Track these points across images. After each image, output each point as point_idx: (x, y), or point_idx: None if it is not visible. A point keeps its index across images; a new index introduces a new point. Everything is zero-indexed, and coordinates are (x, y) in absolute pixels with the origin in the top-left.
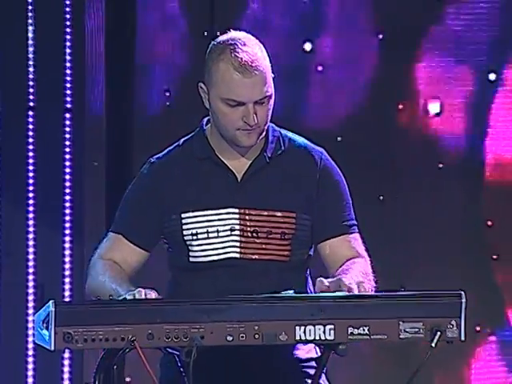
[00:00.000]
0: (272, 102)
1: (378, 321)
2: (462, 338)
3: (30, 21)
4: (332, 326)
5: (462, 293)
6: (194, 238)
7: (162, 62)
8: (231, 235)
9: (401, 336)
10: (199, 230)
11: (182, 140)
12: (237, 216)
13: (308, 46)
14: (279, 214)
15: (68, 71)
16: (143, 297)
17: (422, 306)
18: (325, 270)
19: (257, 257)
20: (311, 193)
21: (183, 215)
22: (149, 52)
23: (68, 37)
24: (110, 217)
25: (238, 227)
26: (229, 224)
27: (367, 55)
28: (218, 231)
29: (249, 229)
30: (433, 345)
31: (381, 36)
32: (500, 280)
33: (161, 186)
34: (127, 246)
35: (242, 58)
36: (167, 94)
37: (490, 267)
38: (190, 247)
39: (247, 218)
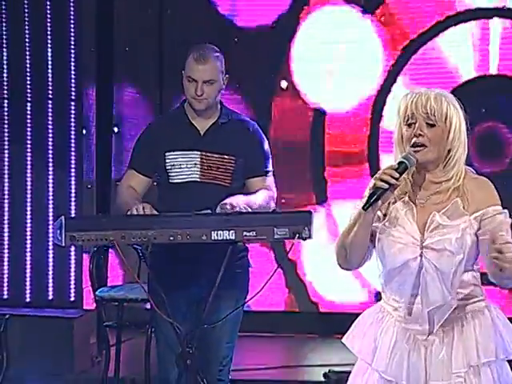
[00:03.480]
0: (217, 86)
1: (261, 227)
2: (312, 238)
3: None
4: (233, 231)
5: (312, 211)
6: (172, 167)
7: None
8: (195, 167)
9: (275, 237)
10: (175, 163)
11: (171, 109)
12: (198, 156)
13: None
14: (226, 156)
15: None
16: (140, 211)
17: (288, 219)
18: None
19: (210, 181)
20: (245, 146)
21: (167, 153)
22: None
23: None
24: None
25: (199, 163)
26: (193, 160)
27: None
28: (187, 164)
29: (205, 164)
30: (293, 241)
31: None
32: None
33: (156, 137)
34: (137, 176)
35: (199, 54)
36: None
37: None
38: (169, 173)
39: (205, 157)
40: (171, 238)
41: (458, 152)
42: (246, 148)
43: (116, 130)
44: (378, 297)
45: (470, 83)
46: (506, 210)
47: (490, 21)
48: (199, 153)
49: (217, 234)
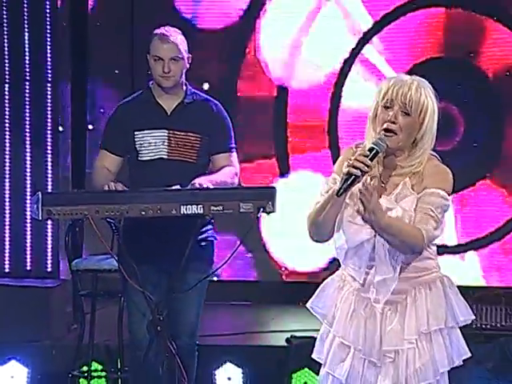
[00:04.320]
0: (182, 64)
1: (228, 202)
2: (275, 211)
3: None
4: (201, 205)
5: (275, 186)
6: (141, 145)
7: None
8: (162, 145)
9: (240, 210)
10: (144, 141)
11: (138, 92)
12: (166, 134)
13: None
14: (191, 134)
15: None
16: (112, 188)
17: (252, 194)
18: None
19: (177, 158)
20: (210, 125)
21: (136, 132)
22: None
23: None
24: None
25: (166, 141)
26: (161, 138)
27: None
28: (155, 142)
29: (173, 142)
30: (258, 215)
31: None
32: None
33: (125, 117)
34: (109, 156)
35: (163, 34)
36: None
37: None
38: (138, 151)
39: (172, 135)
40: (143, 213)
41: (426, 143)
42: (211, 126)
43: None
44: (331, 265)
45: (423, 65)
46: (446, 197)
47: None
48: (166, 131)
49: (186, 209)
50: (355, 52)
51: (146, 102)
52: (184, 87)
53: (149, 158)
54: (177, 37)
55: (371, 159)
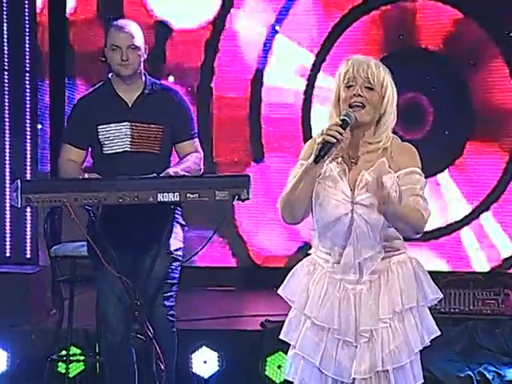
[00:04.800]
0: (140, 53)
1: (203, 190)
2: (250, 198)
3: None
4: (178, 193)
5: (250, 174)
6: (105, 139)
7: None
8: (126, 138)
9: (216, 198)
10: (107, 135)
11: (98, 85)
12: (128, 126)
13: None
14: (153, 125)
15: None
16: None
17: (228, 182)
18: None
19: (140, 150)
20: (172, 115)
21: (99, 127)
22: None
23: None
24: None
25: (129, 133)
26: (124, 131)
27: None
28: (119, 136)
29: (135, 134)
30: (234, 203)
31: None
32: None
33: (87, 111)
34: (73, 150)
35: (119, 24)
36: None
37: None
38: (102, 145)
39: (134, 128)
40: (120, 200)
41: (389, 118)
42: (173, 116)
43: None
44: (302, 250)
45: (394, 56)
46: (422, 174)
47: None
48: (129, 124)
49: (162, 196)
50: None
51: (107, 94)
52: (143, 77)
53: (113, 151)
54: (132, 27)
55: (343, 128)
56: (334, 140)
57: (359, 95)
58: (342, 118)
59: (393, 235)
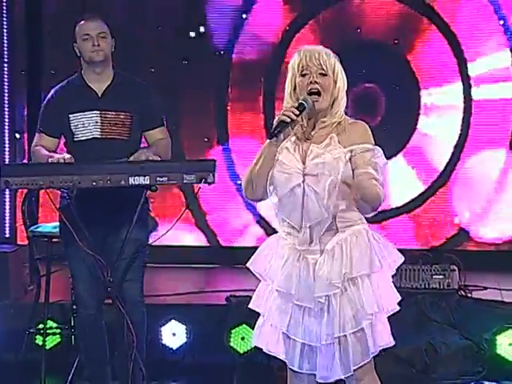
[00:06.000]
0: (109, 41)
1: (172, 173)
2: (215, 182)
3: None
4: (148, 177)
5: (216, 159)
6: (76, 127)
7: None
8: (96, 125)
9: (184, 181)
10: (78, 123)
11: (71, 77)
12: (98, 115)
13: None
14: (122, 113)
15: None
16: (60, 158)
17: (195, 166)
18: None
19: (110, 137)
20: (140, 104)
21: (70, 115)
22: None
23: None
24: None
25: (99, 121)
26: (94, 119)
27: None
28: (89, 123)
29: (105, 122)
30: (200, 186)
31: None
32: None
33: (59, 101)
34: (46, 138)
35: (87, 15)
36: None
37: None
38: (74, 133)
39: (103, 116)
40: (94, 183)
41: (342, 101)
42: (141, 105)
43: None
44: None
45: (351, 48)
46: (376, 147)
47: None
48: (98, 112)
49: (134, 180)
50: None
51: (78, 86)
52: (112, 70)
53: (84, 138)
54: (99, 18)
55: (300, 111)
56: (289, 119)
57: (315, 82)
58: (299, 102)
59: (350, 207)
